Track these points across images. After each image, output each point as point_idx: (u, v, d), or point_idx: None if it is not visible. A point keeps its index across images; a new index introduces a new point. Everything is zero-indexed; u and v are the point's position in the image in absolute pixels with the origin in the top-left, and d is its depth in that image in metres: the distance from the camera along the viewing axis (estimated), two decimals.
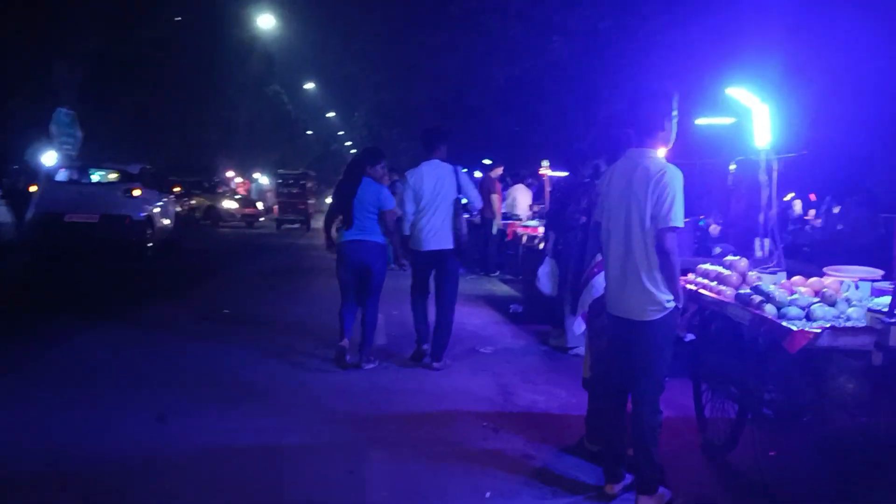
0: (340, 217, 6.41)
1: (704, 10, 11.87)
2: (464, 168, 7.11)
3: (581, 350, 6.02)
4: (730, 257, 4.82)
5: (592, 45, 15.80)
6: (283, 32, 32.66)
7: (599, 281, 4.29)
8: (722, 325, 4.42)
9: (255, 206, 32.07)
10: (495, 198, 13.25)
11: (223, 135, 29.75)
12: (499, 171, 13.66)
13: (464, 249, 6.54)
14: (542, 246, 8.57)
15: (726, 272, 4.48)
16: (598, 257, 4.28)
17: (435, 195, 6.34)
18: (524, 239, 10.26)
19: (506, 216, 13.55)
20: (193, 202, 27.77)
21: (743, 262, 4.58)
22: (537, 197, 14.49)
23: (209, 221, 27.92)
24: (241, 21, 29.11)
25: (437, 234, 6.38)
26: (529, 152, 22.74)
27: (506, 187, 14.47)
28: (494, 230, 13.26)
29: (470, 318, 9.15)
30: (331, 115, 53.00)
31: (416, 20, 21.58)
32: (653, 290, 3.69)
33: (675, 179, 3.65)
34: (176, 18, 23.23)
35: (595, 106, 15.37)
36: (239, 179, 38.37)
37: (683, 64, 11.53)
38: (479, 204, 6.96)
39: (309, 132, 56.16)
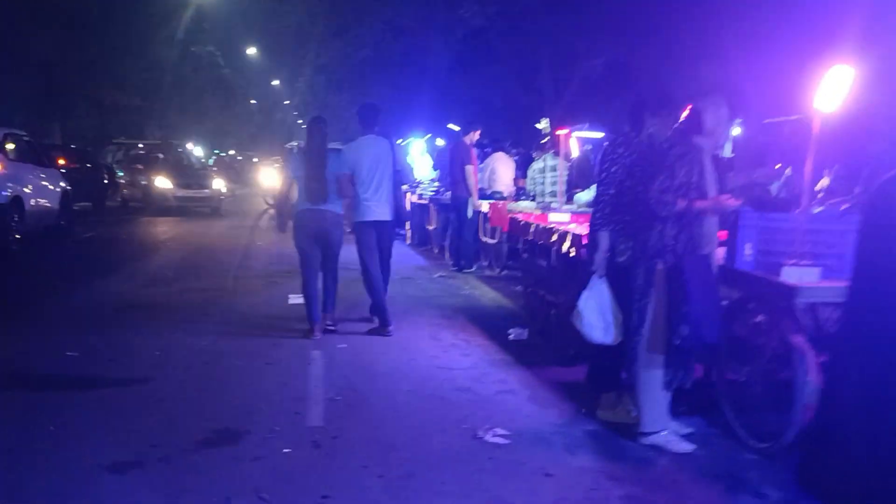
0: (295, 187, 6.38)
1: None
2: (426, 135, 8.71)
3: (667, 440, 4.07)
4: None
5: None
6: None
7: None
8: None
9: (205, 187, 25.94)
10: (470, 170, 9.98)
11: (147, 98, 25.59)
12: (475, 135, 10.32)
13: (403, 219, 7.06)
14: (570, 250, 5.40)
15: None
16: None
17: (374, 169, 6.41)
18: (536, 233, 6.60)
19: (483, 194, 10.28)
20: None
21: None
22: (521, 169, 11.28)
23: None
24: None
25: (379, 206, 6.47)
26: (506, 115, 19.58)
27: (483, 157, 11.14)
28: (470, 212, 9.99)
29: (449, 355, 5.97)
30: (275, 82, 48.95)
31: None
32: None
33: None
34: None
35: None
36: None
37: None
38: (411, 177, 7.30)
39: (252, 101, 51.90)
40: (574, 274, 5.18)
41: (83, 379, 5.16)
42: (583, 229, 5.23)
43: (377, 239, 6.56)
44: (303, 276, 6.37)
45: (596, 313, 4.29)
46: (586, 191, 8.47)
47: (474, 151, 10.21)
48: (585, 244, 4.83)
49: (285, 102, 53.32)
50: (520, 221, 7.00)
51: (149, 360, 5.65)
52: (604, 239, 4.34)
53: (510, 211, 8.82)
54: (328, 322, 6.48)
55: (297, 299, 6.99)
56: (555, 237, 5.97)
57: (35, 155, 11.94)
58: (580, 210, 7.08)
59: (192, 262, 10.75)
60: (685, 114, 4.10)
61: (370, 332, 6.54)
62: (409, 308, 7.77)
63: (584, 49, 17.45)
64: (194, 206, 18.64)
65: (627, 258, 4.24)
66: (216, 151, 45.73)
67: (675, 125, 4.17)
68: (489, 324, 7.10)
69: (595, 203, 4.53)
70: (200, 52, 29.66)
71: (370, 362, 5.72)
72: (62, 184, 12.63)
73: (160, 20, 24.38)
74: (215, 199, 19.03)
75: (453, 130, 15.79)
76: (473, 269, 10.27)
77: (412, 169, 7.14)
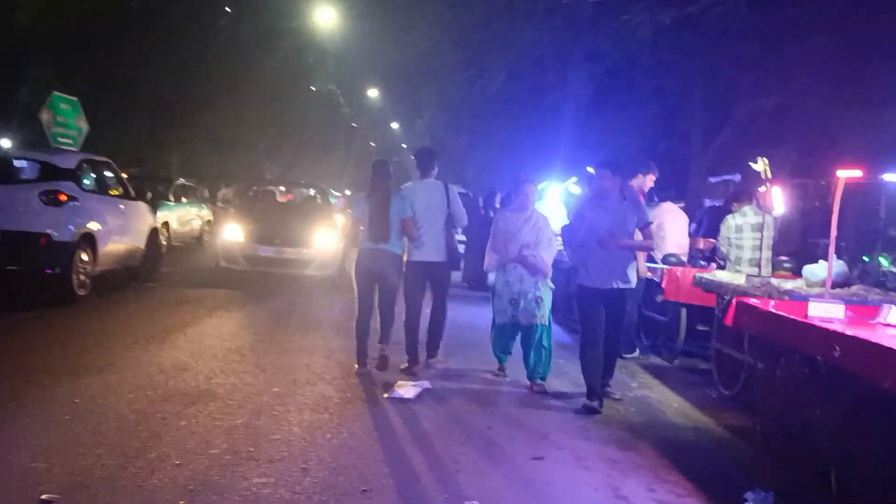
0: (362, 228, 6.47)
1: None
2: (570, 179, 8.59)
3: None
4: None
5: None
6: (342, 30, 27.38)
7: None
8: None
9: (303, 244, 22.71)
10: None
11: (266, 135, 24.35)
12: (647, 180, 7.74)
13: (457, 261, 6.93)
14: None
15: None
16: None
17: (427, 212, 6.54)
18: (800, 337, 3.64)
19: (650, 256, 7.66)
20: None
21: None
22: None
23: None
24: (296, 10, 23.81)
25: (431, 248, 6.55)
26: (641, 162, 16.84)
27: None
28: (634, 280, 7.35)
29: None
30: (394, 125, 47.99)
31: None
32: None
33: None
34: None
35: None
36: (282, 189, 32.27)
37: None
38: (464, 221, 6.83)
39: (372, 143, 51.11)
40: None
41: None
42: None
43: (429, 279, 6.71)
44: (357, 312, 6.50)
45: None
46: (817, 265, 5.81)
47: (642, 199, 7.60)
48: None
49: (402, 146, 52.35)
50: (757, 310, 4.31)
51: None
52: None
53: (706, 285, 6.19)
54: (384, 351, 6.52)
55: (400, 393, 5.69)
56: (837, 350, 3.32)
57: (119, 185, 10.19)
58: (852, 299, 4.43)
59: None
60: None
61: (403, 371, 6.46)
62: (557, 420, 5.30)
63: (748, 88, 14.59)
64: (283, 271, 11.58)
65: None
66: (334, 191, 44.89)
67: None
68: (697, 466, 4.48)
69: None
70: (322, 90, 28.57)
71: None
72: (150, 220, 10.84)
73: (282, 56, 23.25)
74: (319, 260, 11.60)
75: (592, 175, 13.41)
76: (636, 355, 7.62)
77: (464, 214, 6.84)
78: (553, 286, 6.52)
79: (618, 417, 5.51)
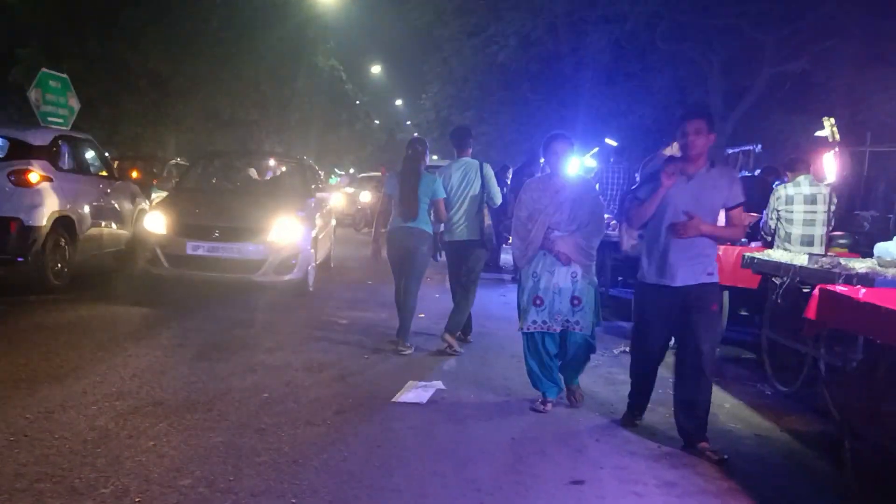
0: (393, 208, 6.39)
1: None
2: (592, 150, 7.88)
3: None
4: None
5: None
6: (344, 4, 26.34)
7: None
8: None
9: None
10: None
11: (265, 112, 23.34)
12: (671, 150, 6.85)
13: (489, 241, 6.60)
14: None
15: None
16: None
17: (462, 190, 6.43)
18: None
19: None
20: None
21: None
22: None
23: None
24: None
25: (465, 227, 6.43)
26: (657, 134, 15.85)
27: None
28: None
29: None
30: (398, 102, 47.06)
31: None
32: None
33: None
34: None
35: None
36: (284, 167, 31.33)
37: None
38: (498, 200, 6.57)
39: (376, 122, 50.13)
40: None
41: None
42: None
43: (462, 257, 6.54)
44: (396, 287, 6.43)
45: None
46: (892, 242, 4.96)
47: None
48: None
49: (407, 123, 51.37)
50: (849, 301, 3.44)
51: None
52: None
53: (758, 265, 5.35)
54: (403, 348, 6.31)
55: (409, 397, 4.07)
56: None
57: (103, 165, 9.35)
58: None
59: None
60: None
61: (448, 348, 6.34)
62: (593, 430, 4.48)
63: (773, 51, 13.59)
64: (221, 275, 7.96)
65: None
66: (336, 170, 43.87)
67: None
68: (769, 490, 3.68)
69: None
70: (323, 66, 27.52)
71: None
72: (138, 201, 10.00)
73: (282, 31, 22.21)
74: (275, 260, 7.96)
75: (612, 147, 12.39)
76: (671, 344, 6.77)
77: (499, 193, 6.57)
78: (597, 281, 4.97)
79: (664, 424, 4.68)
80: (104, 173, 9.36)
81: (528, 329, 4.87)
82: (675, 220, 4.15)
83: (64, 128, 12.09)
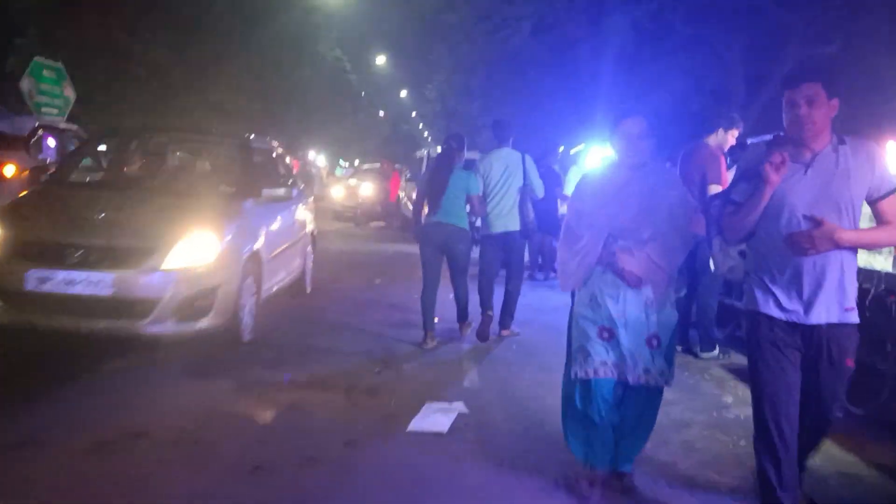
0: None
1: None
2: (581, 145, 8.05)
3: None
4: None
5: None
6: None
7: None
8: None
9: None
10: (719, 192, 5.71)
11: (267, 102, 22.62)
12: (729, 135, 6.11)
13: (530, 232, 6.49)
14: None
15: None
16: None
17: (503, 182, 6.31)
18: None
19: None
20: None
21: None
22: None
23: None
24: None
25: (506, 218, 6.31)
26: (674, 124, 15.04)
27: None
28: (719, 263, 5.75)
29: None
30: (403, 93, 46.17)
31: None
32: None
33: None
34: None
35: None
36: (288, 159, 30.43)
37: None
38: (540, 192, 6.46)
39: (381, 113, 49.32)
40: None
41: None
42: None
43: (505, 249, 6.45)
44: (423, 285, 6.18)
45: None
46: None
47: (724, 163, 5.94)
48: None
49: (412, 114, 50.53)
50: None
51: None
52: None
53: None
54: (465, 333, 6.44)
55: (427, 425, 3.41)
56: None
57: (91, 158, 8.62)
58: None
59: None
60: None
61: (478, 335, 6.32)
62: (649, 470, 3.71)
63: (801, 32, 12.77)
64: (79, 325, 4.96)
65: None
66: (341, 161, 43.13)
67: None
68: None
69: None
70: (326, 55, 26.71)
71: None
72: None
73: (286, 19, 21.45)
74: (174, 297, 5.02)
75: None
76: (715, 354, 6.02)
77: (541, 185, 6.36)
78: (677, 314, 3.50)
79: (731, 456, 3.95)
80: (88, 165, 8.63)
81: (594, 375, 3.33)
82: (795, 229, 2.86)
83: (60, 118, 11.44)
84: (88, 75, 15.95)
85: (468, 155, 6.90)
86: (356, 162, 42.74)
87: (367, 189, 20.12)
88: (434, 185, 6.10)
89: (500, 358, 5.94)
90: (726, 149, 6.08)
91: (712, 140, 6.03)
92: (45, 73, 11.73)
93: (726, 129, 6.03)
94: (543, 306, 8.07)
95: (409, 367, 5.49)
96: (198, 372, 5.02)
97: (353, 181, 21.18)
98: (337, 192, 21.42)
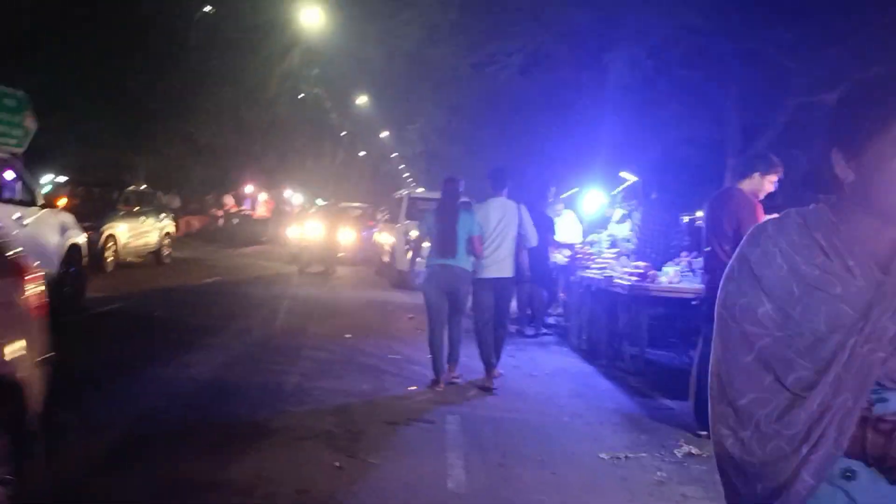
0: (429, 243, 6.38)
1: None
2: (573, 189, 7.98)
3: None
4: None
5: None
6: (329, 29, 24.65)
7: None
8: None
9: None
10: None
11: (244, 139, 21.52)
12: (766, 181, 5.06)
13: (523, 279, 6.68)
14: None
15: None
16: None
17: (500, 231, 6.34)
18: None
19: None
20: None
21: None
22: None
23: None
24: (279, 9, 21.06)
25: (501, 264, 6.33)
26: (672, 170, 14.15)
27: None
28: None
29: None
30: (384, 134, 45.46)
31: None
32: None
33: None
34: None
35: None
36: (264, 196, 28.74)
37: None
38: (534, 241, 6.58)
39: (363, 152, 48.54)
40: None
41: None
42: None
43: (495, 295, 6.35)
44: (429, 328, 6.24)
45: None
46: None
47: (761, 209, 4.95)
48: None
49: (392, 155, 49.81)
50: None
51: None
52: None
53: None
54: (454, 375, 6.33)
55: None
56: None
57: (24, 189, 7.50)
58: None
59: None
60: None
61: (482, 388, 6.17)
62: None
63: (802, 80, 12.03)
64: None
65: None
66: (318, 200, 42.03)
67: None
68: None
69: None
70: (306, 93, 25.79)
71: None
72: (71, 233, 8.14)
73: (265, 56, 20.53)
74: None
75: (640, 182, 10.69)
76: None
77: (535, 234, 6.31)
78: None
79: None
80: (17, 198, 7.49)
81: None
82: None
83: (19, 149, 10.22)
84: (52, 104, 14.87)
85: (427, 193, 6.74)
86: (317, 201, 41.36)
87: (315, 230, 16.48)
88: (443, 227, 6.12)
89: (492, 444, 4.81)
90: (761, 196, 5.10)
91: (746, 185, 5.05)
92: (5, 101, 10.52)
93: (763, 174, 5.05)
94: (538, 370, 7.00)
95: (382, 458, 4.33)
96: None
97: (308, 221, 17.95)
98: (292, 233, 18.51)
